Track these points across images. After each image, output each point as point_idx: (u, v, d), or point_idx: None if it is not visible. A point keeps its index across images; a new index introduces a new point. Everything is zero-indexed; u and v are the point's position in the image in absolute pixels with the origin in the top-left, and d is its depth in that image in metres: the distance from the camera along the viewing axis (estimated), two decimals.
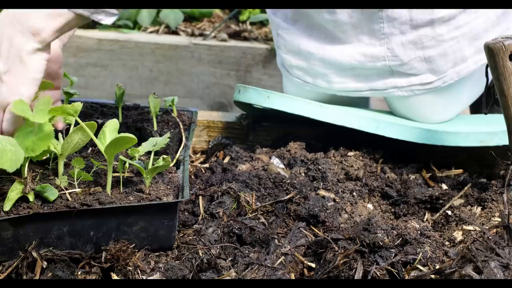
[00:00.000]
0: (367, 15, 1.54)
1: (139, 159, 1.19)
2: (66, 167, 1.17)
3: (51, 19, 1.22)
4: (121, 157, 1.15)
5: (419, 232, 1.19)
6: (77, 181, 1.12)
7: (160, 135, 1.41)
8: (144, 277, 1.03)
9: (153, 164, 1.15)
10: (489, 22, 1.57)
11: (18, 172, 1.07)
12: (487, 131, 1.53)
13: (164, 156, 1.14)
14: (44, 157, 1.14)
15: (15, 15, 1.22)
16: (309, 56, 1.63)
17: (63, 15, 1.22)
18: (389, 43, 1.55)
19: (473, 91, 1.66)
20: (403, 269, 1.06)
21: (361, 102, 1.83)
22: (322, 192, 1.36)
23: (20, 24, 1.22)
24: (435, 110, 1.64)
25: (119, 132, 1.15)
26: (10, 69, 1.20)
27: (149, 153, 1.21)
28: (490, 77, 1.27)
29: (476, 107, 1.85)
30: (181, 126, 1.45)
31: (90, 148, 1.32)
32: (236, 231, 1.18)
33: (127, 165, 1.18)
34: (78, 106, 1.08)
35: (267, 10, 1.75)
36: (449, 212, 1.32)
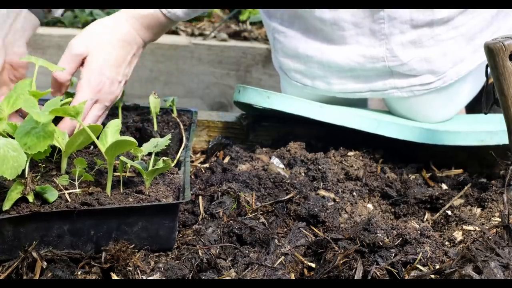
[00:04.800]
0: (369, 13, 1.53)
1: (140, 159, 1.19)
2: (69, 162, 1.17)
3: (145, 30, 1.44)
4: (121, 158, 1.15)
5: (419, 232, 1.19)
6: (78, 180, 1.12)
7: (161, 136, 1.41)
8: (144, 277, 1.03)
9: (153, 166, 1.15)
10: (484, 23, 1.57)
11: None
12: (488, 130, 1.53)
13: (165, 158, 1.14)
14: (45, 155, 1.14)
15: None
16: (307, 59, 1.62)
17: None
18: (388, 43, 1.55)
19: (472, 89, 1.67)
20: (403, 269, 1.06)
21: (359, 103, 1.83)
22: (322, 192, 1.36)
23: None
24: (435, 109, 1.64)
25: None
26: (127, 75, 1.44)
27: (150, 153, 1.21)
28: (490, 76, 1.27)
29: (472, 107, 1.85)
30: (181, 126, 1.45)
31: (92, 146, 1.32)
32: (236, 231, 1.18)
33: (128, 165, 1.18)
34: (80, 107, 1.07)
35: (262, 15, 1.74)
36: (449, 212, 1.32)
